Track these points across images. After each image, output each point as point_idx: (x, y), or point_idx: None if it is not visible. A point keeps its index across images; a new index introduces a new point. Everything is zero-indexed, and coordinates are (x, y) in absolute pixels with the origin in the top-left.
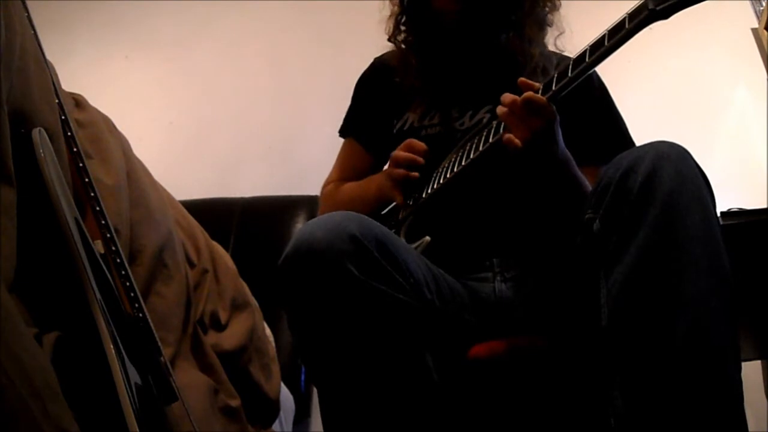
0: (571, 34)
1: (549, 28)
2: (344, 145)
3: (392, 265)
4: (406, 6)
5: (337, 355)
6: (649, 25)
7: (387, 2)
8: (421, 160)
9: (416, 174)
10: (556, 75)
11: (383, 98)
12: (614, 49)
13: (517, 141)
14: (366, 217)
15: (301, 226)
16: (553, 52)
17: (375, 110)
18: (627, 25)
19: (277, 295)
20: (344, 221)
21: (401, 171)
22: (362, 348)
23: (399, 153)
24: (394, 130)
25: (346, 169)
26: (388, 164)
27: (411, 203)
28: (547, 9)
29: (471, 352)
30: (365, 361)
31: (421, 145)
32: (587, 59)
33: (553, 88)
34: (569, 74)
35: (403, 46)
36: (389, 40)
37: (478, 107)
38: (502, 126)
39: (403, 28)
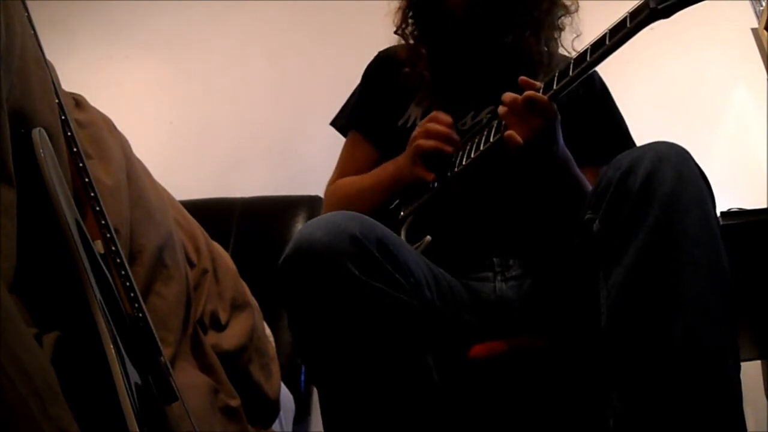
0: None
1: (564, 31)
2: (348, 141)
3: (393, 266)
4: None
5: (337, 355)
6: (650, 24)
7: None
8: (456, 136)
9: (450, 148)
10: (557, 74)
11: (388, 92)
12: (615, 48)
13: (518, 139)
14: (367, 217)
15: (301, 227)
16: (563, 55)
17: (381, 104)
18: (628, 24)
19: (277, 295)
20: (345, 221)
21: (432, 142)
22: (362, 348)
23: (431, 126)
24: (398, 126)
25: (352, 166)
26: (410, 140)
27: (410, 205)
28: (563, 11)
29: (471, 352)
30: (365, 361)
31: (447, 117)
32: (588, 58)
33: (554, 87)
34: (570, 73)
35: (411, 39)
36: (396, 32)
37: (481, 108)
38: (503, 125)
39: (410, 21)
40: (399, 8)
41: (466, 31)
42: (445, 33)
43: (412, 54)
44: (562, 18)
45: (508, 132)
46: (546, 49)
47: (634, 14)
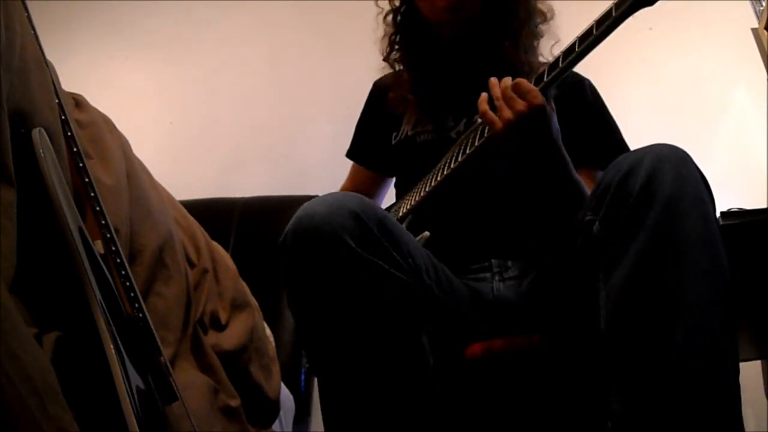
0: (560, 32)
1: (542, 38)
2: (353, 165)
3: (392, 245)
4: (400, 22)
5: (334, 331)
6: (635, 12)
7: (382, 23)
8: None
9: None
10: (547, 66)
11: (382, 119)
12: (602, 38)
13: (498, 121)
14: (368, 199)
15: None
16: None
17: (374, 133)
18: (614, 13)
19: (278, 272)
20: (345, 198)
21: None
22: (359, 323)
23: None
24: (393, 143)
25: (350, 186)
26: None
27: (407, 208)
28: (539, 19)
29: (468, 351)
30: (362, 337)
31: None
32: (576, 49)
33: (545, 78)
34: (560, 65)
35: (397, 65)
36: (384, 60)
37: (473, 113)
38: (487, 129)
39: (397, 47)
40: (385, 35)
41: (453, 42)
42: (432, 47)
43: (396, 82)
44: (540, 25)
45: (489, 116)
46: (533, 56)
47: (619, 3)
